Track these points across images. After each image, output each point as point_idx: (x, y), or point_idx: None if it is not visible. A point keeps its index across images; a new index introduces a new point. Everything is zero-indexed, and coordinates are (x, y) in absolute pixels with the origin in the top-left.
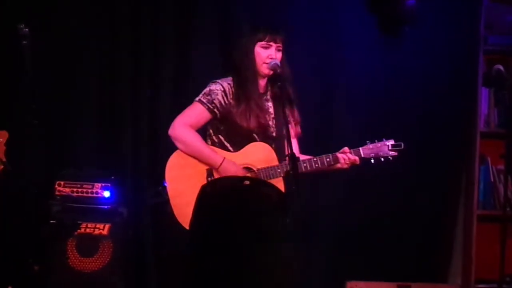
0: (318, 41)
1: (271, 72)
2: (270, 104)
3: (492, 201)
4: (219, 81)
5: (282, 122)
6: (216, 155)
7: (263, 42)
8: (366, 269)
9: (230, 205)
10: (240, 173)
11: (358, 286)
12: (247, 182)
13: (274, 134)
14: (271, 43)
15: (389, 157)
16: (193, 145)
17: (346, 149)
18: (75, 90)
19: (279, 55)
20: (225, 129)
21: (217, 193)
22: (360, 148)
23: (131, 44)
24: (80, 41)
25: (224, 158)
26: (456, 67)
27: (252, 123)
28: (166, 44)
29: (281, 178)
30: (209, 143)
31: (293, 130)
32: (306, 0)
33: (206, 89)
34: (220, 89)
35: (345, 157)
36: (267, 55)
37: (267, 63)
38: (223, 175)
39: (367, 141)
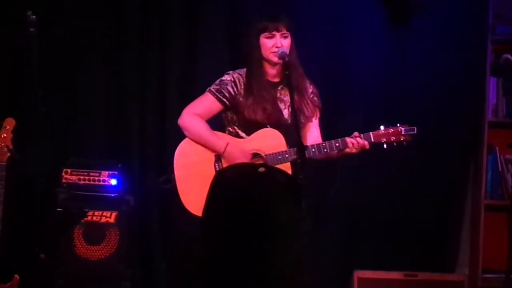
0: (326, 31)
1: (280, 61)
2: (285, 92)
3: (500, 191)
4: (231, 72)
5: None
6: (219, 141)
7: (266, 33)
8: (373, 258)
9: (245, 192)
10: (247, 156)
11: (366, 275)
12: (262, 170)
13: (289, 121)
14: (273, 33)
15: (403, 142)
16: (197, 132)
17: (356, 133)
18: (82, 78)
19: (285, 42)
20: (238, 120)
21: (232, 179)
22: (371, 133)
23: (138, 36)
24: (88, 31)
25: (228, 143)
26: (464, 57)
27: (259, 116)
28: (174, 38)
29: (289, 164)
30: (226, 133)
31: (311, 117)
32: None
33: (218, 80)
34: (230, 79)
35: (354, 141)
36: (272, 44)
37: (274, 52)
38: (229, 160)
39: (381, 126)
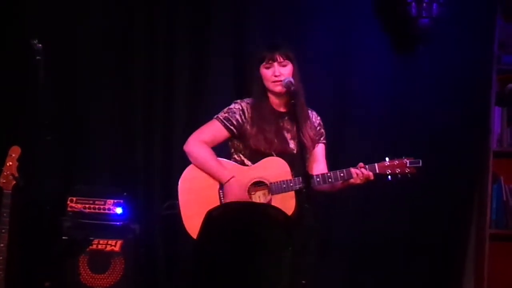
0: (331, 58)
1: (284, 90)
2: (292, 122)
3: (504, 220)
4: (239, 101)
5: (301, 139)
6: (224, 171)
7: (264, 63)
8: (377, 287)
9: (236, 229)
10: (243, 196)
11: None
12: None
13: (294, 151)
14: (270, 62)
15: (407, 174)
16: (202, 159)
17: (361, 164)
18: (87, 105)
19: (284, 70)
20: (244, 148)
21: (223, 217)
22: (376, 164)
23: (145, 59)
24: (93, 56)
25: (232, 177)
26: (469, 86)
27: (264, 145)
28: (180, 59)
29: (293, 193)
30: (232, 161)
31: (316, 147)
32: (319, 18)
33: (227, 108)
34: (239, 108)
35: (359, 172)
36: (271, 74)
37: (275, 82)
38: (226, 193)
39: (386, 158)
